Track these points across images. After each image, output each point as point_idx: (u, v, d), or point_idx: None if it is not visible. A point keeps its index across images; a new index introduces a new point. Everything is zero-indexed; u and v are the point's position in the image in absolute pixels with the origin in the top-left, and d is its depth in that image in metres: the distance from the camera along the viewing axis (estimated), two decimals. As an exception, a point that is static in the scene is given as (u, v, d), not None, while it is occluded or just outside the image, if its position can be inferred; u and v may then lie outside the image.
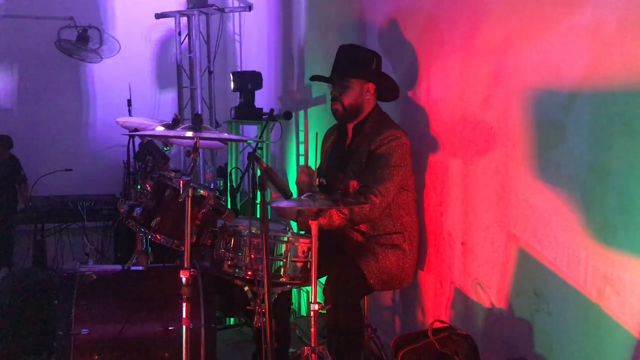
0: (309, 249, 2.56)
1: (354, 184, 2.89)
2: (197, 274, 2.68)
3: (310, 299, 2.38)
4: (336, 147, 3.14)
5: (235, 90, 5.17)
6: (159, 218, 2.62)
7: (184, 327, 2.32)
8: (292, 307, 3.70)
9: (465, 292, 2.79)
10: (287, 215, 2.84)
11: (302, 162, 4.88)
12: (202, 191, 2.65)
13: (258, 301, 2.53)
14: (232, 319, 4.26)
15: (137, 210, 2.67)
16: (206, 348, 2.68)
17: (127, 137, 3.56)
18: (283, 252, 2.58)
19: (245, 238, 2.56)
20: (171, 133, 2.69)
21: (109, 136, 6.44)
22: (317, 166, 2.66)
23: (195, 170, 2.48)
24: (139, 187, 2.78)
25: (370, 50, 3.07)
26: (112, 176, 5.86)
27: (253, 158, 2.63)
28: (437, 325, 2.52)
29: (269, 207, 2.44)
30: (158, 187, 2.67)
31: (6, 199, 5.42)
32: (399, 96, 3.10)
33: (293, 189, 2.98)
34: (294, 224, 3.01)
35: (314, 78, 3.14)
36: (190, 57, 5.88)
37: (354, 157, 2.96)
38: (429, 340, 2.42)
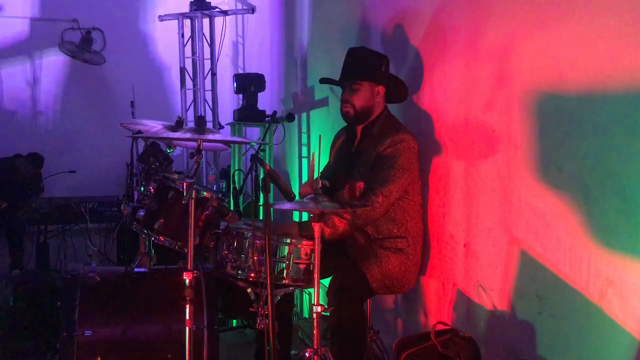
0: (312, 251, 2.57)
1: (360, 185, 2.90)
2: (200, 276, 2.68)
3: (312, 300, 2.39)
4: (344, 148, 3.15)
5: (238, 92, 5.18)
6: (162, 220, 2.63)
7: (187, 328, 2.33)
8: (294, 309, 3.70)
9: (468, 294, 2.79)
10: (291, 235, 2.73)
11: (305, 164, 4.89)
12: (205, 193, 2.66)
13: (261, 303, 2.53)
14: (234, 321, 4.27)
15: (141, 212, 2.68)
16: (209, 350, 2.69)
17: (130, 139, 3.57)
18: (286, 254, 2.58)
19: (248, 240, 2.57)
20: (174, 135, 2.70)
21: (112, 138, 6.45)
22: (320, 169, 2.66)
23: (198, 172, 2.49)
24: (142, 189, 2.79)
25: (379, 53, 3.08)
26: (115, 178, 5.87)
27: (256, 160, 2.64)
28: (440, 327, 2.52)
29: (271, 208, 2.44)
30: (161, 189, 2.68)
31: (19, 202, 5.46)
32: (406, 99, 3.11)
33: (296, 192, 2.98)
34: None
35: (323, 81, 3.13)
36: (193, 59, 5.89)
37: (361, 158, 2.96)
38: (432, 343, 2.43)
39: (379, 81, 2.97)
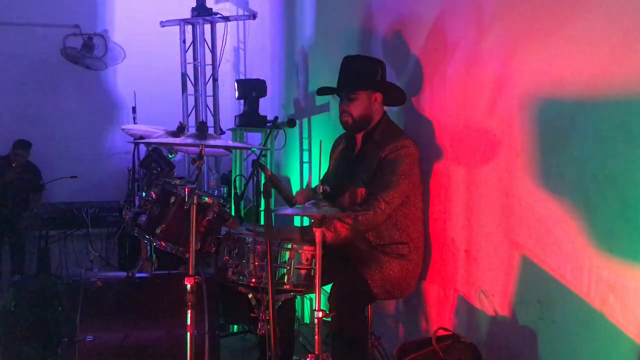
0: (313, 256, 2.57)
1: (361, 191, 2.90)
2: (202, 281, 2.68)
3: (313, 306, 2.39)
4: (345, 154, 3.15)
5: (239, 98, 5.19)
6: (163, 225, 2.63)
7: (188, 334, 2.33)
8: (295, 314, 3.70)
9: (469, 299, 2.79)
10: (293, 240, 2.74)
11: (305, 168, 4.90)
12: (206, 198, 2.66)
13: (262, 308, 2.53)
14: (235, 326, 4.27)
15: (142, 218, 2.68)
16: (210, 355, 2.69)
17: (131, 144, 3.58)
18: (287, 259, 2.59)
19: (249, 245, 2.57)
20: (176, 140, 2.71)
21: (113, 143, 6.48)
22: (321, 174, 2.66)
23: (200, 178, 2.49)
24: (143, 194, 2.80)
25: (374, 59, 3.09)
26: (116, 183, 5.89)
27: (257, 165, 2.64)
28: (441, 333, 2.52)
29: (273, 214, 2.45)
30: (163, 194, 2.68)
31: (20, 205, 5.47)
32: (404, 103, 3.12)
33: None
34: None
35: (320, 92, 3.14)
36: (194, 64, 5.91)
37: (362, 164, 2.97)
38: (433, 348, 2.42)
39: (375, 88, 2.98)
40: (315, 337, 2.34)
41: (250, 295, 2.62)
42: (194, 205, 2.38)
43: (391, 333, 3.49)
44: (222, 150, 3.32)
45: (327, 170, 3.27)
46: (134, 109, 5.19)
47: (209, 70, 5.92)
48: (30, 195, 5.67)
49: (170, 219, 2.64)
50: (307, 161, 4.88)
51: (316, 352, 2.34)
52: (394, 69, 3.37)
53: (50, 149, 6.19)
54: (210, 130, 5.34)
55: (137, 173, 3.81)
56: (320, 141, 2.76)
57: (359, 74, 2.99)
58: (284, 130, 4.95)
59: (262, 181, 2.71)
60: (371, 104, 2.98)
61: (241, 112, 5.26)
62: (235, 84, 5.20)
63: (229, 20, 5.91)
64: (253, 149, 5.00)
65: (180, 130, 2.85)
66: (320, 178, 3.25)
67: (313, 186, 3.06)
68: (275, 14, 6.06)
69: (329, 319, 2.64)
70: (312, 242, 2.49)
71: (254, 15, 5.79)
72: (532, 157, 2.37)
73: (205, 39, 5.87)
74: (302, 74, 5.06)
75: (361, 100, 2.96)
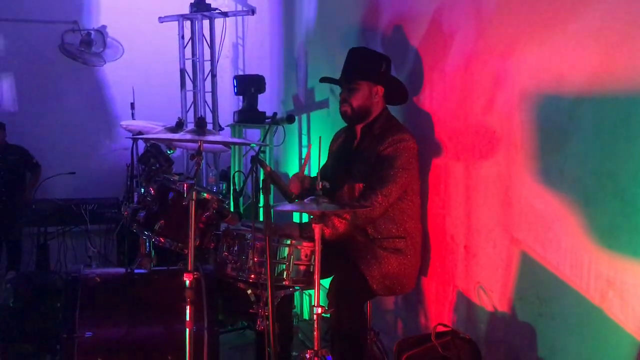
0: (312, 252, 2.57)
1: (359, 186, 2.90)
2: (201, 277, 2.69)
3: (313, 302, 2.39)
4: (344, 148, 3.15)
5: (238, 93, 5.18)
6: (162, 221, 2.63)
7: (187, 329, 2.33)
8: (294, 310, 3.70)
9: (468, 295, 2.79)
10: (292, 236, 2.74)
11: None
12: (205, 194, 2.66)
13: (261, 304, 2.53)
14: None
15: (141, 214, 2.68)
16: (209, 351, 2.69)
17: (130, 140, 3.57)
18: (286, 255, 2.58)
19: (248, 241, 2.57)
20: (175, 136, 2.71)
21: (112, 139, 6.47)
22: (320, 167, 2.65)
23: (199, 174, 2.49)
24: (142, 190, 2.80)
25: (380, 54, 3.08)
26: (115, 179, 5.88)
27: (256, 161, 2.64)
28: (440, 329, 2.52)
29: (272, 210, 2.44)
30: (162, 190, 2.68)
31: (17, 194, 5.44)
32: (406, 101, 3.11)
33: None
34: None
35: (324, 80, 3.15)
36: (193, 60, 5.90)
37: (361, 157, 2.97)
38: (432, 344, 2.42)
39: (377, 81, 2.97)
40: (314, 333, 2.35)
41: (249, 291, 2.62)
42: (193, 201, 2.37)
43: (390, 329, 3.50)
44: (221, 146, 3.32)
45: (325, 163, 3.26)
46: (132, 105, 5.17)
47: (207, 66, 5.90)
48: (28, 176, 5.64)
49: (169, 215, 2.64)
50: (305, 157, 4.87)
51: (315, 348, 2.34)
52: (394, 64, 3.36)
53: (49, 145, 6.18)
54: (209, 126, 5.34)
55: (135, 169, 3.80)
56: (320, 137, 2.75)
57: (362, 65, 2.99)
58: (282, 127, 4.95)
59: (261, 177, 2.70)
60: (372, 96, 2.97)
61: (240, 108, 5.25)
62: (234, 80, 5.20)
63: (228, 16, 5.90)
64: (252, 145, 4.99)
65: (179, 126, 2.85)
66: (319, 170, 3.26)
67: (306, 173, 3.07)
68: (274, 10, 6.04)
69: (328, 315, 2.64)
70: (311, 239, 2.49)
71: (252, 11, 5.77)
72: (532, 153, 2.36)
73: (203, 35, 5.85)
74: (301, 70, 5.05)
75: (362, 91, 2.96)
